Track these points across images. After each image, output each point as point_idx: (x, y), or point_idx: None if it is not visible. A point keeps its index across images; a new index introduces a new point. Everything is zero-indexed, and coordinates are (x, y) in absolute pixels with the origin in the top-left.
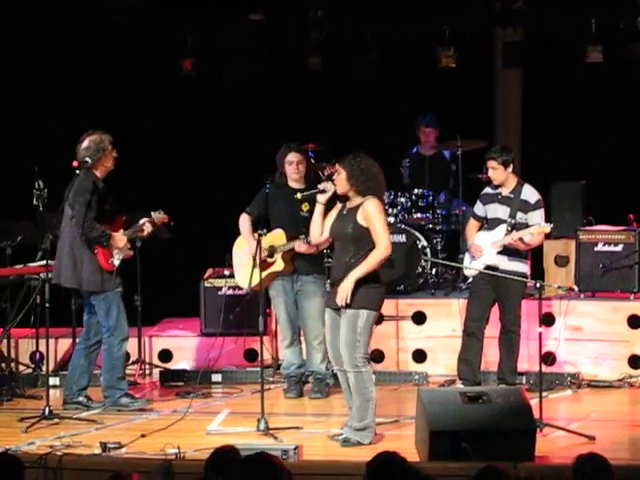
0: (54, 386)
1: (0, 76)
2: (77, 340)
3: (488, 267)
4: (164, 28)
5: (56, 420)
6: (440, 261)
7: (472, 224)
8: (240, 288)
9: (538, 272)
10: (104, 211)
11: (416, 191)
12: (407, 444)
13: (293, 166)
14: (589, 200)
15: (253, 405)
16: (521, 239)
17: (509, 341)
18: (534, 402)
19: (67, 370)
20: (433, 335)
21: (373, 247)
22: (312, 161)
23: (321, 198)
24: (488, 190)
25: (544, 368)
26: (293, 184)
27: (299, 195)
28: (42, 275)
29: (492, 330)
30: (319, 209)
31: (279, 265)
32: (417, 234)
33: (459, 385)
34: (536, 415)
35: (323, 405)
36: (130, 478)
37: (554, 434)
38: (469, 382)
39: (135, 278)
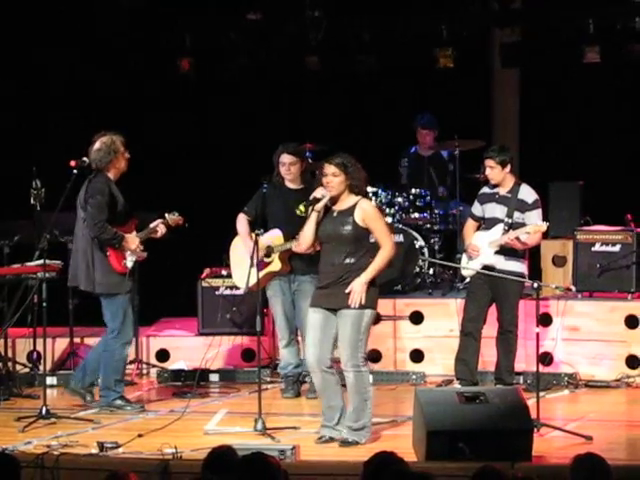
0: (51, 386)
1: None
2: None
3: (485, 267)
4: (163, 28)
5: (53, 420)
6: (437, 261)
7: (470, 224)
8: (237, 288)
9: (535, 272)
10: (116, 213)
11: (414, 191)
12: (404, 444)
13: (285, 167)
14: (587, 200)
15: (250, 405)
16: (518, 238)
17: (506, 341)
18: (531, 402)
19: (65, 369)
20: (430, 335)
21: (368, 247)
22: (310, 161)
23: (318, 206)
24: (486, 190)
25: (541, 368)
26: (289, 184)
27: (302, 208)
28: (39, 274)
29: (489, 330)
30: (314, 217)
31: (276, 265)
32: (415, 234)
33: (456, 385)
34: (533, 415)
35: (320, 405)
36: (127, 478)
37: (551, 434)
38: (466, 382)
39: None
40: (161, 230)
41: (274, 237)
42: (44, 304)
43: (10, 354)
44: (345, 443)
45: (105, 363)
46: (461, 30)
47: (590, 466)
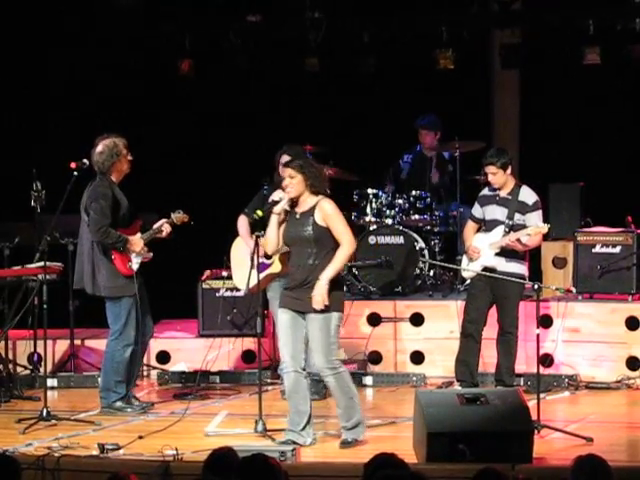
0: (52, 387)
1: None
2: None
3: (486, 269)
4: (163, 29)
5: (54, 421)
6: (438, 263)
7: (470, 226)
8: (238, 290)
9: (536, 274)
10: (120, 216)
11: (414, 192)
12: (405, 446)
13: (282, 168)
14: (587, 202)
15: (251, 407)
16: (519, 240)
17: (507, 343)
18: (532, 404)
19: (65, 371)
20: (431, 337)
21: (333, 247)
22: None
23: (276, 208)
24: (486, 192)
25: (542, 370)
26: None
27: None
28: (40, 276)
29: (490, 332)
30: (275, 220)
31: (277, 267)
32: (415, 236)
33: (457, 387)
34: (534, 417)
35: (321, 406)
36: (128, 479)
37: (552, 436)
38: (467, 384)
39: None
40: (166, 230)
41: None
42: (45, 306)
43: (11, 356)
44: (346, 444)
45: (105, 365)
46: (461, 31)
47: (591, 468)
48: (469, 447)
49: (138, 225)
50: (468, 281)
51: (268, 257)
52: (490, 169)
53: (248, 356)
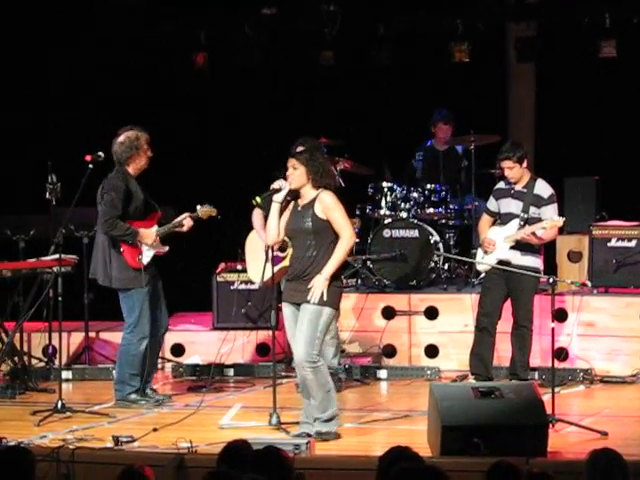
0: (67, 380)
1: (15, 67)
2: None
3: (501, 262)
4: (176, 23)
5: (68, 414)
6: (453, 256)
7: (485, 219)
8: (252, 282)
9: (551, 267)
10: (133, 208)
11: (429, 186)
12: (419, 439)
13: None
14: (602, 195)
15: (265, 399)
16: (534, 233)
17: (521, 336)
18: (546, 397)
19: (80, 363)
20: (445, 330)
21: (333, 239)
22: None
23: (277, 197)
24: (501, 185)
25: (557, 364)
26: None
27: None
28: (55, 269)
29: (505, 325)
30: (275, 208)
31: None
32: (430, 229)
33: (471, 380)
34: (548, 410)
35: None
36: (142, 472)
37: (566, 430)
38: (481, 377)
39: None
40: (187, 224)
41: None
42: (59, 298)
43: (26, 348)
44: (320, 435)
45: (120, 357)
46: (477, 24)
47: (606, 462)
48: (483, 441)
49: (156, 218)
50: (483, 274)
51: (282, 250)
52: (506, 163)
53: (262, 349)
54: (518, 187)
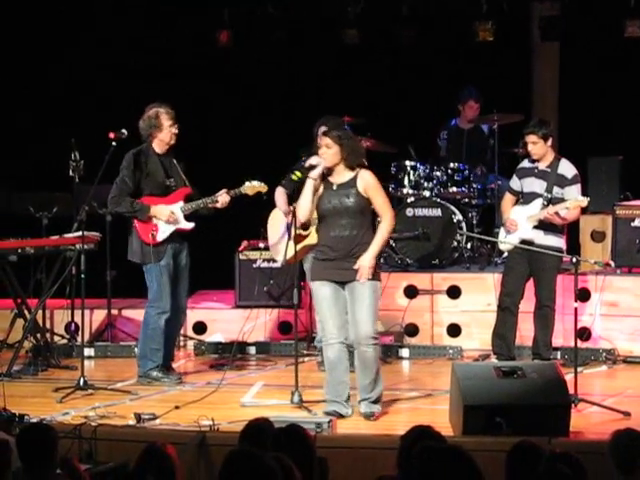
0: (89, 357)
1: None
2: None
3: (523, 241)
4: (199, 2)
5: (90, 391)
6: (475, 235)
7: (508, 198)
8: (275, 261)
9: (574, 247)
10: (151, 184)
11: (452, 165)
12: (441, 418)
13: (321, 137)
14: (626, 175)
15: (287, 378)
16: (557, 213)
17: (544, 316)
18: (569, 377)
19: (102, 340)
20: (468, 309)
21: (372, 218)
22: None
23: (313, 173)
24: (525, 164)
25: (579, 343)
26: None
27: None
28: (78, 246)
29: (527, 305)
30: (310, 185)
31: (313, 238)
32: (452, 208)
33: (493, 360)
34: (571, 390)
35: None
36: (164, 449)
37: (589, 410)
38: (504, 357)
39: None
40: (222, 200)
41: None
42: (82, 276)
43: (48, 325)
44: (370, 416)
45: (142, 332)
46: (501, 3)
47: (629, 442)
48: (506, 420)
49: (181, 195)
50: (505, 254)
51: (305, 228)
52: (531, 138)
53: (284, 327)
54: (542, 166)
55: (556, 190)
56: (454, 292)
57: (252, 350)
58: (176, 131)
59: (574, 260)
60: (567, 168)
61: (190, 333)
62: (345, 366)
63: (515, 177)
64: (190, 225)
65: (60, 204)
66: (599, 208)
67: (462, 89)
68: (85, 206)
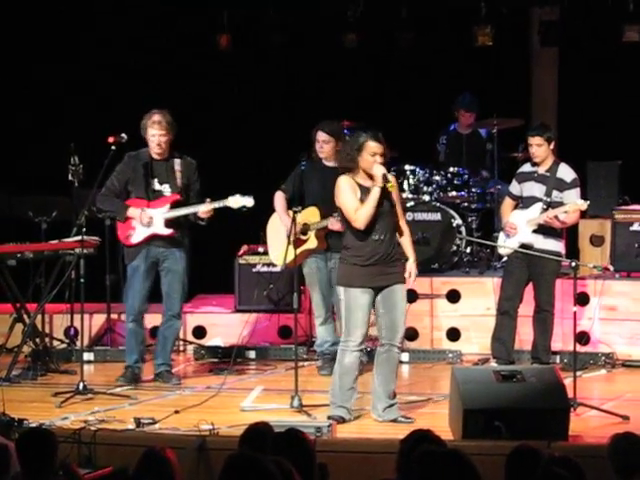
0: (88, 361)
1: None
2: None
3: (523, 245)
4: (199, 4)
5: (90, 395)
6: (475, 239)
7: (507, 203)
8: (274, 265)
9: (573, 251)
10: (135, 187)
11: (451, 169)
12: (441, 422)
13: (319, 145)
14: (625, 180)
15: (287, 382)
16: (556, 217)
17: (543, 320)
18: (568, 381)
19: (102, 345)
20: (467, 314)
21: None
22: (347, 138)
23: (380, 182)
24: (524, 168)
25: (578, 347)
26: (326, 162)
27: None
28: (77, 250)
29: (526, 309)
30: (378, 192)
31: (312, 242)
32: (452, 212)
33: (493, 364)
34: (570, 394)
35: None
36: (164, 454)
37: (588, 413)
38: (503, 361)
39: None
40: (203, 210)
41: (311, 214)
42: (82, 280)
43: (47, 330)
44: (405, 420)
45: None
46: (500, 8)
47: (628, 446)
48: (505, 424)
49: (167, 200)
50: (505, 258)
51: (304, 233)
52: (536, 140)
53: (284, 332)
54: (541, 170)
55: (555, 194)
56: (453, 296)
57: (252, 354)
58: (161, 139)
59: (573, 264)
60: (566, 172)
61: (190, 337)
62: (357, 373)
63: (515, 181)
64: (167, 231)
65: (59, 208)
66: (598, 212)
67: (458, 96)
68: (84, 210)
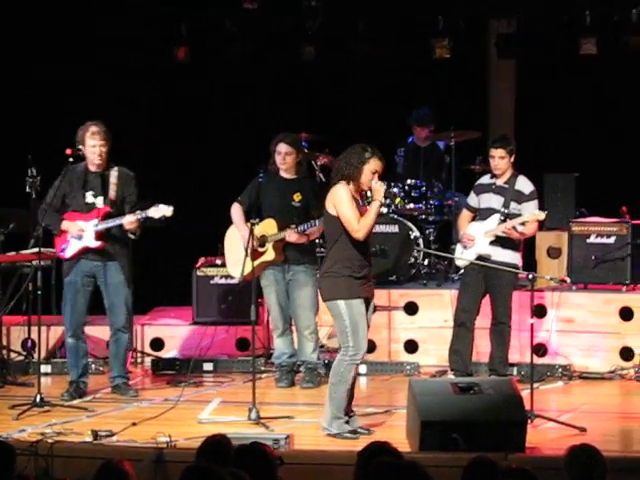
0: (45, 374)
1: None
2: None
3: (480, 257)
4: (158, 17)
5: (47, 408)
6: (432, 252)
7: (465, 215)
8: (232, 277)
9: (530, 264)
10: (70, 200)
11: (409, 181)
12: (398, 434)
13: (281, 157)
14: (582, 192)
15: (244, 394)
16: (514, 228)
17: (500, 332)
18: (525, 393)
19: (58, 358)
20: (425, 326)
21: None
22: (305, 151)
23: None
24: (483, 180)
25: (536, 359)
26: (284, 174)
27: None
28: (34, 262)
29: (484, 321)
30: (379, 207)
31: (270, 255)
32: (410, 224)
33: (450, 376)
34: (527, 406)
35: (314, 395)
36: (121, 466)
37: (545, 425)
38: (460, 373)
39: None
40: (127, 221)
41: (268, 226)
42: (39, 292)
43: (4, 342)
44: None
45: None
46: (458, 20)
47: (584, 457)
48: (462, 436)
49: (98, 213)
50: (462, 270)
51: (261, 245)
52: (499, 152)
53: (242, 344)
54: (500, 182)
55: (513, 206)
56: (411, 308)
57: (209, 367)
58: (102, 149)
59: (530, 276)
60: (525, 184)
61: (147, 349)
62: None
63: (472, 193)
64: (97, 244)
65: (16, 220)
66: (555, 225)
67: (412, 110)
68: (42, 222)
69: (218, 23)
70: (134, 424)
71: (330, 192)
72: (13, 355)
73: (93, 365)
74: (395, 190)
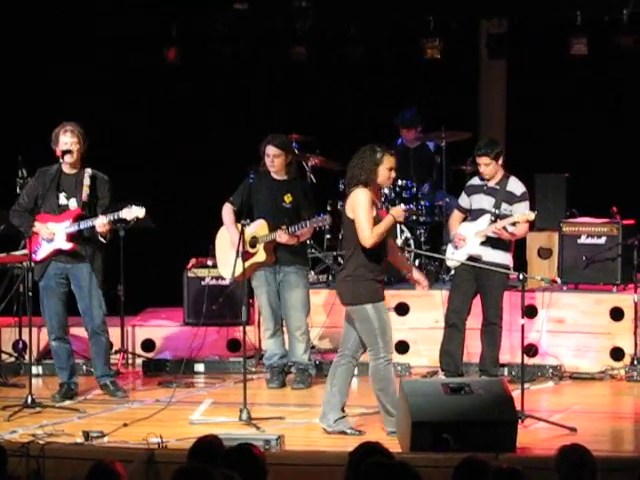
0: (37, 375)
1: None
2: None
3: (471, 258)
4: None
5: (38, 409)
6: (423, 252)
7: (456, 215)
8: (223, 278)
9: (521, 264)
10: (41, 202)
11: (400, 182)
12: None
13: (269, 159)
14: (572, 192)
15: (236, 395)
16: (505, 228)
17: (491, 333)
18: (516, 393)
19: (50, 358)
20: (416, 326)
21: None
22: (296, 152)
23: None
24: (474, 181)
25: (526, 360)
26: (275, 175)
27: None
28: (25, 264)
29: (474, 322)
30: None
31: (261, 256)
32: (400, 225)
33: (441, 376)
34: (518, 406)
35: (305, 395)
36: (113, 467)
37: (535, 425)
38: (451, 373)
39: (118, 267)
40: (98, 223)
41: (259, 227)
42: (30, 293)
43: None
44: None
45: None
46: (449, 21)
47: (575, 457)
48: (453, 436)
49: (70, 215)
50: (453, 271)
51: (253, 246)
52: (483, 160)
53: (233, 345)
54: (491, 184)
55: (504, 207)
56: (402, 309)
57: (201, 368)
58: (73, 147)
59: (521, 277)
60: (516, 185)
61: (138, 350)
62: None
63: (464, 194)
64: (68, 246)
65: (7, 222)
66: (546, 225)
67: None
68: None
69: (209, 24)
70: (125, 425)
71: (350, 196)
72: (4, 356)
73: (84, 366)
74: (385, 191)
